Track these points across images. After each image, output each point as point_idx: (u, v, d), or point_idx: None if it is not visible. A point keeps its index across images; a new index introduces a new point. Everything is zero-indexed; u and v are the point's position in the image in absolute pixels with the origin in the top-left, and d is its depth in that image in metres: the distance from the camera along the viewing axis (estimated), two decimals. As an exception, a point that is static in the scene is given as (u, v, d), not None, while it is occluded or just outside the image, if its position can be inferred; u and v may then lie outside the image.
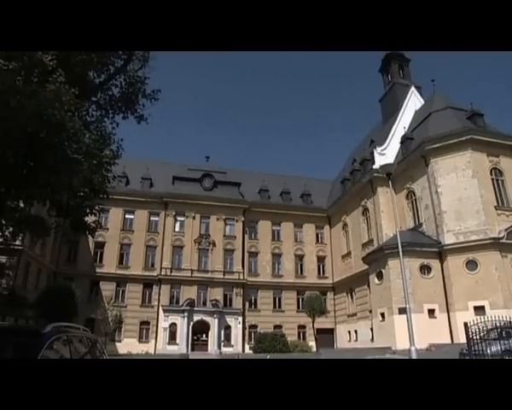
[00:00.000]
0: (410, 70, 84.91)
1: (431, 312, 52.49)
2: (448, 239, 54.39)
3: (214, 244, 74.69)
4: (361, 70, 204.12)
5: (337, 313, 75.49)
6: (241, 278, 73.31)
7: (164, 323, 67.00)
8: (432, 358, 14.67)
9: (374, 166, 65.16)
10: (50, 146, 14.63)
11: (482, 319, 23.61)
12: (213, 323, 67.96)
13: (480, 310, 47.18)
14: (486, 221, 53.33)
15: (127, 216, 73.19)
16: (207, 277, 71.43)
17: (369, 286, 61.92)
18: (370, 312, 60.59)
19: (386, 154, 67.16)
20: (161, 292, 69.41)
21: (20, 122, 13.57)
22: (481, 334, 23.10)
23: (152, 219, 74.28)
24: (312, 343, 67.91)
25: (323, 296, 73.43)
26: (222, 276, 72.30)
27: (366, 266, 62.04)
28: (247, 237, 77.86)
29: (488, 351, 22.40)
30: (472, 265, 52.13)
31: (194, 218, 74.43)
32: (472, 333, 22.99)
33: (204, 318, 68.05)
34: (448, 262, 53.67)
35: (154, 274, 70.47)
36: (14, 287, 50.06)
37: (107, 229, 69.79)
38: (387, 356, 41.21)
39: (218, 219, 75.53)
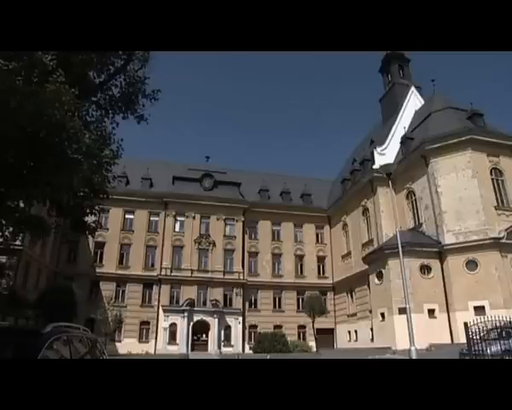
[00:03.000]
0: (410, 70, 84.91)
1: (431, 312, 52.52)
2: (448, 239, 54.43)
3: (214, 244, 74.77)
4: (361, 70, 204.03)
5: (337, 313, 75.51)
6: (241, 278, 73.26)
7: (164, 323, 66.98)
8: (432, 358, 14.69)
9: (374, 167, 65.17)
10: (50, 146, 14.65)
11: (482, 319, 23.58)
12: (213, 323, 67.94)
13: (480, 310, 47.19)
14: (486, 221, 53.37)
15: (127, 216, 73.24)
16: (207, 277, 71.36)
17: (369, 286, 61.93)
18: (370, 312, 60.59)
19: (386, 154, 67.19)
20: (161, 292, 69.33)
21: (20, 122, 13.59)
22: (481, 334, 23.08)
23: (152, 219, 74.34)
24: (312, 343, 67.89)
25: (323, 296, 73.44)
26: (222, 276, 72.24)
27: (366, 266, 62.03)
28: (247, 237, 77.97)
29: (488, 351, 22.36)
30: (472, 265, 52.16)
31: (194, 218, 74.50)
32: (472, 333, 22.96)
33: (204, 318, 68.04)
34: (448, 262, 53.70)
35: (154, 274, 70.38)
36: (14, 287, 50.08)
37: (108, 229, 69.81)
38: (387, 356, 41.18)
39: (218, 219, 75.59)
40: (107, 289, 67.30)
